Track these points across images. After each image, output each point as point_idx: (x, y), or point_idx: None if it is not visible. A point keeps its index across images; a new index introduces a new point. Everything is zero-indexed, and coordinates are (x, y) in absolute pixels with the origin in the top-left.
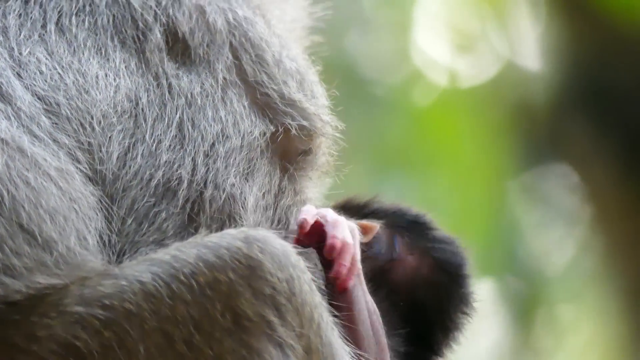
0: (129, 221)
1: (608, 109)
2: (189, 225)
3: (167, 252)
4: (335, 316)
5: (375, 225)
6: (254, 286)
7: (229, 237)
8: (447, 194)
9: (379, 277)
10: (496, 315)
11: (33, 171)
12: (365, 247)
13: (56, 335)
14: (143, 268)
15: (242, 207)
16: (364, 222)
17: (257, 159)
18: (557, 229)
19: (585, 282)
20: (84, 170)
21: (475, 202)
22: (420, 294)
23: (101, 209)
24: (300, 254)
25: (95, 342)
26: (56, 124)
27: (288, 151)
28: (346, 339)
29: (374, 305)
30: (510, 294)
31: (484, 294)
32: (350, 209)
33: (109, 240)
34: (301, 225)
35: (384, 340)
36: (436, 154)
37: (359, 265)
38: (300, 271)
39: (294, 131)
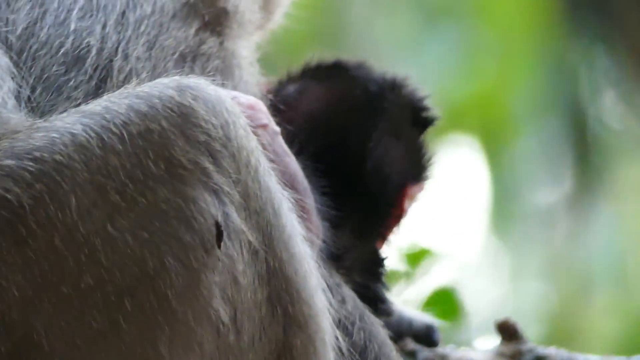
0: (39, 89)
1: None
2: (97, 93)
3: (98, 103)
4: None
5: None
6: (187, 134)
7: (161, 86)
8: (494, 42)
9: (291, 118)
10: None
11: None
12: (273, 96)
13: None
14: (74, 119)
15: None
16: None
17: (168, 22)
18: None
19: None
20: None
21: (522, 52)
22: (336, 120)
23: (12, 76)
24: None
25: (26, 194)
26: None
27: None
28: (283, 183)
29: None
30: (558, 139)
31: (530, 141)
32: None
33: (21, 109)
34: None
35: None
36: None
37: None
38: (236, 116)
39: None
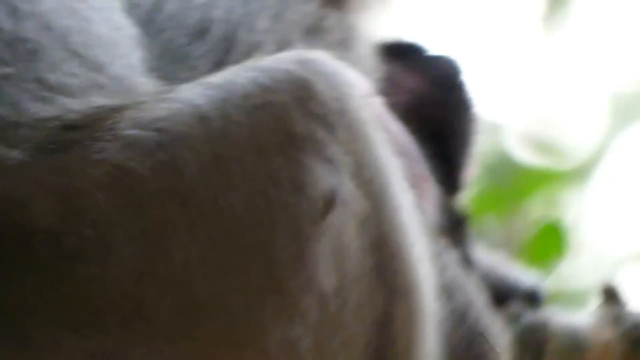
0: (164, 59)
1: None
2: (222, 63)
3: (222, 75)
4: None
5: None
6: (305, 106)
7: (283, 60)
8: None
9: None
10: None
11: (81, 3)
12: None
13: (110, 158)
14: (198, 91)
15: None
16: None
17: None
18: None
19: None
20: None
21: None
22: (423, 112)
23: (140, 46)
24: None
25: (148, 163)
26: None
27: None
28: (396, 154)
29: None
30: None
31: None
32: None
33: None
34: None
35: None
36: None
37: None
38: (353, 88)
39: None
